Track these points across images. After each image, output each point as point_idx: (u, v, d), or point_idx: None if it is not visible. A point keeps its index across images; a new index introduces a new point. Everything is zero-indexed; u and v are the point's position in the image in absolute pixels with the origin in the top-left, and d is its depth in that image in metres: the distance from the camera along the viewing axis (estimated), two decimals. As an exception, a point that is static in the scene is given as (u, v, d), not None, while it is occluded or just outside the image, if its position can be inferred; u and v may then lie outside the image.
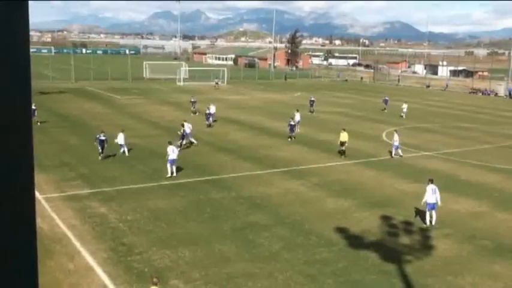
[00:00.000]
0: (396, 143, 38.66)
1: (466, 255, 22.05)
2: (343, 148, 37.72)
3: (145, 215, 24.03)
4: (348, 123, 54.86)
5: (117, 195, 27.35)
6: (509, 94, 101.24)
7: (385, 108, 68.90)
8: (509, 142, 49.29)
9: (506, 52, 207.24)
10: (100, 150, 34.03)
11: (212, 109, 50.61)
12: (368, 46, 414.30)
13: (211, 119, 50.08)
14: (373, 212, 26.53)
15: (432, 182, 25.55)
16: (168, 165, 30.80)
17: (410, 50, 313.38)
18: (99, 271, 18.52)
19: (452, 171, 36.07)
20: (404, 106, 62.84)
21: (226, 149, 39.85)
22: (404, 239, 23.18)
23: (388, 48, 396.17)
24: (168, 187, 28.19)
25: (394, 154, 38.97)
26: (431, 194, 25.01)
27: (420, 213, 25.99)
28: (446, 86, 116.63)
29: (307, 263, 20.15)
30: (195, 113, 56.55)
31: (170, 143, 31.77)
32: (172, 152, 30.67)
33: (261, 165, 34.45)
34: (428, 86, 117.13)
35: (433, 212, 24.97)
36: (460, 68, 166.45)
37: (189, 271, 18.84)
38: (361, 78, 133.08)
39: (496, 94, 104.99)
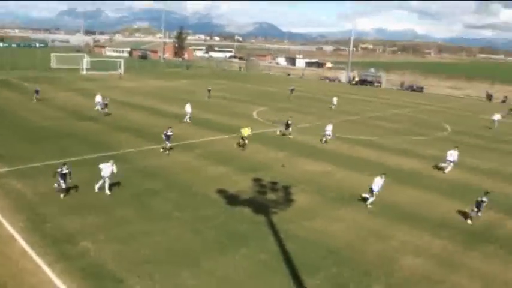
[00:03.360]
0: (328, 132, 37.63)
1: (317, 205, 23.24)
2: (245, 142, 33.88)
3: (56, 188, 22.96)
4: (228, 106, 55.40)
5: (31, 171, 25.88)
6: (349, 80, 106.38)
7: (291, 95, 68.84)
8: (349, 117, 51.94)
9: (346, 48, 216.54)
10: (62, 186, 22.04)
11: (98, 98, 46.44)
12: (241, 42, 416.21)
13: (98, 107, 45.68)
14: (247, 175, 27.04)
15: None
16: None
17: (275, 46, 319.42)
18: (18, 238, 17.59)
19: (308, 141, 37.56)
20: (335, 99, 60.47)
21: (124, 128, 38.70)
22: (271, 196, 23.92)
23: (257, 44, 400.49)
24: (74, 163, 27.01)
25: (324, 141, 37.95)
26: None
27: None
28: (303, 74, 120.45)
29: (194, 219, 20.27)
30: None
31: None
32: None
33: (153, 141, 33.86)
34: (288, 75, 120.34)
35: None
36: (313, 60, 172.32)
37: (96, 233, 18.34)
38: (240, 68, 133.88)
39: (339, 81, 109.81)
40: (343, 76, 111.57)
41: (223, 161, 30.05)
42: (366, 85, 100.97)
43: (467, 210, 22.96)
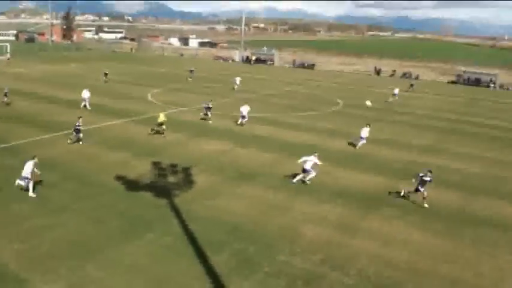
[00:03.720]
0: (244, 113, 37.21)
1: (218, 184, 23.46)
2: (163, 128, 32.28)
3: None
4: (121, 89, 53.71)
5: None
6: (243, 60, 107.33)
7: (191, 77, 67.44)
8: (246, 95, 52.65)
9: (239, 27, 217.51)
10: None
11: None
12: (132, 22, 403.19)
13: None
14: (146, 159, 26.55)
15: None
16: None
17: (166, 26, 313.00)
18: None
19: (202, 121, 37.57)
20: (238, 79, 59.94)
21: (14, 118, 36.06)
22: (171, 178, 23.76)
23: (149, 24, 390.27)
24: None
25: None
26: None
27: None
28: (196, 54, 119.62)
29: (95, 209, 19.61)
30: None
31: None
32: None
33: (47, 131, 32.10)
34: (182, 55, 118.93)
35: None
36: (206, 40, 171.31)
37: (-11, 231, 17.19)
38: (131, 49, 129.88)
39: (233, 60, 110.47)
40: (237, 55, 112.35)
41: (121, 147, 29.24)
42: (260, 63, 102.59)
43: (405, 190, 22.55)
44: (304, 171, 23.89)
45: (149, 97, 49.11)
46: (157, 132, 32.56)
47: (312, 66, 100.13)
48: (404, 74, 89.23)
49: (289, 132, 35.76)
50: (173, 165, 25.57)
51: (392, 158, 30.18)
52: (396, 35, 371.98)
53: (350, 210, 21.05)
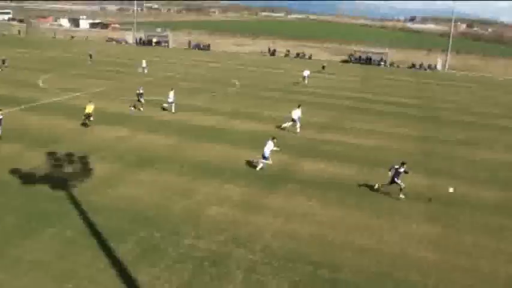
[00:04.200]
0: (171, 99, 35.77)
1: (119, 171, 22.94)
2: (91, 119, 30.77)
3: None
4: (9, 75, 50.14)
5: None
6: (137, 42, 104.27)
7: (90, 61, 64.42)
8: (144, 79, 51.39)
9: (131, 8, 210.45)
10: None
11: None
12: (19, 1, 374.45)
13: None
14: (40, 150, 25.19)
15: None
16: None
17: (56, 5, 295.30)
18: None
19: (102, 106, 36.20)
20: (144, 62, 57.99)
21: None
22: (69, 169, 22.84)
23: (37, 3, 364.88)
24: None
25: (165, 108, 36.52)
26: None
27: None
28: (87, 37, 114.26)
29: (-14, 205, 18.41)
30: None
31: None
32: None
33: None
34: (73, 37, 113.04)
35: None
36: (97, 21, 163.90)
37: None
38: (19, 31, 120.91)
39: (126, 42, 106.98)
40: (130, 37, 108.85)
41: (13, 138, 27.36)
42: (154, 45, 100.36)
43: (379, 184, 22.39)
44: (264, 156, 23.89)
45: (40, 83, 46.35)
46: (84, 124, 30.76)
47: (207, 48, 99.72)
48: (298, 55, 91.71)
49: (189, 115, 35.59)
50: (70, 155, 24.52)
51: (292, 136, 31.20)
52: (289, 16, 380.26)
53: (253, 189, 21.57)
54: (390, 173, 21.67)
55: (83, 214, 17.97)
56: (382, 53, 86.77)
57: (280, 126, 32.84)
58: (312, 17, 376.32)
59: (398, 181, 21.35)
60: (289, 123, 32.40)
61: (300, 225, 18.24)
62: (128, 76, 53.71)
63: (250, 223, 18.09)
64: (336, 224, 18.52)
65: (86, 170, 22.64)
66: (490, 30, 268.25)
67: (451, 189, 21.98)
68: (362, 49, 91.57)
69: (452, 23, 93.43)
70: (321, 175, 23.87)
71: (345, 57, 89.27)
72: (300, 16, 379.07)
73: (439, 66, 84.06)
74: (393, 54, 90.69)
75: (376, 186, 22.34)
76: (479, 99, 53.73)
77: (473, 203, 21.74)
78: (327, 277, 14.86)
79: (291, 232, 17.58)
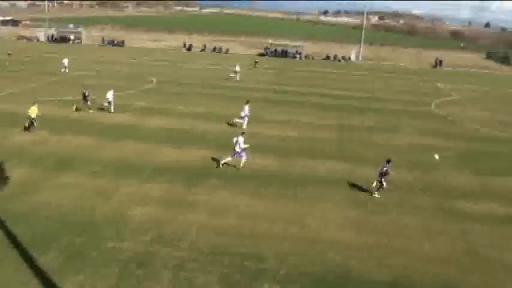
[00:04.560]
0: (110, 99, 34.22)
1: (37, 176, 21.98)
2: (34, 124, 29.03)
3: None
4: None
5: None
6: (49, 39, 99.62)
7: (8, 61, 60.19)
8: (53, 78, 49.35)
9: (42, 3, 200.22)
10: None
11: None
12: None
13: None
14: None
15: None
16: None
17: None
18: None
19: (9, 110, 34.38)
20: (66, 61, 54.81)
21: None
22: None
23: None
24: None
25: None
26: None
27: None
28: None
29: None
30: None
31: None
32: None
33: None
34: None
35: None
36: (8, 18, 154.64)
37: None
38: None
39: (38, 39, 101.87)
40: (42, 34, 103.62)
41: None
42: (67, 42, 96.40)
43: (374, 183, 22.00)
44: (235, 153, 23.70)
45: None
46: (26, 128, 28.94)
47: (122, 44, 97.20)
48: (214, 49, 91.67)
49: (106, 113, 34.69)
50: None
51: (209, 130, 31.35)
52: (204, 10, 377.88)
53: (175, 185, 21.50)
54: (379, 171, 21.56)
55: (1, 224, 17.14)
56: (297, 46, 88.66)
57: (231, 121, 33.18)
58: (226, 10, 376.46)
59: (381, 179, 21.38)
60: (239, 120, 32.50)
61: (224, 219, 18.47)
62: (43, 76, 51.28)
63: (175, 221, 18.08)
64: (260, 215, 18.94)
65: (2, 178, 21.53)
66: (401, 22, 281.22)
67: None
68: (278, 42, 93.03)
69: (365, 16, 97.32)
70: (243, 168, 24.26)
71: (261, 51, 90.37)
72: (214, 10, 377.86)
73: (353, 57, 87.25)
74: (308, 47, 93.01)
75: (374, 184, 21.74)
76: (390, 87, 56.58)
77: (391, 185, 23.02)
78: (254, 268, 15.23)
79: (216, 227, 17.77)
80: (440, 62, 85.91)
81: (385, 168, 21.40)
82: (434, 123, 38.19)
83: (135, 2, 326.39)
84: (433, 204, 21.32)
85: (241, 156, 23.87)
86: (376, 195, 21.67)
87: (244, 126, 31.80)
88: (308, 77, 61.26)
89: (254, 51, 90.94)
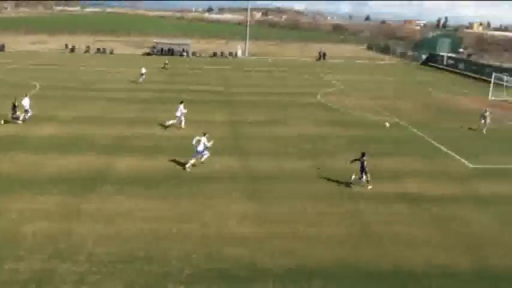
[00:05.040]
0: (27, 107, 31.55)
1: None
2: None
3: None
4: None
5: None
6: None
7: None
8: None
9: None
10: None
11: None
12: None
13: None
14: None
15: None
16: None
17: None
18: None
19: None
20: None
21: None
22: None
23: None
24: None
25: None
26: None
27: None
28: None
29: None
30: None
31: None
32: None
33: None
34: None
35: None
36: None
37: None
38: None
39: None
40: None
41: None
42: None
43: (353, 177, 23.08)
44: (198, 152, 23.75)
45: None
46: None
47: (1, 48, 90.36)
48: (99, 50, 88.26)
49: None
50: None
51: (101, 134, 30.23)
52: (85, 9, 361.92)
53: (68, 196, 20.49)
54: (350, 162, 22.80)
55: None
56: (183, 44, 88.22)
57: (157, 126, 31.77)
58: (109, 9, 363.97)
59: (364, 172, 22.33)
60: (173, 121, 32.12)
61: (122, 225, 17.99)
62: None
63: (71, 233, 17.24)
64: (158, 217, 18.70)
65: None
66: (284, 17, 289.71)
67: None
68: (164, 41, 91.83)
69: (248, 12, 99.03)
70: (135, 171, 23.74)
71: (148, 50, 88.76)
72: (96, 9, 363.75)
73: (239, 53, 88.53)
74: (195, 45, 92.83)
75: (369, 187, 22.63)
76: (277, 80, 58.34)
77: (286, 175, 23.88)
78: (158, 271, 15.04)
79: (115, 234, 17.26)
80: (324, 54, 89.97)
81: (364, 162, 22.35)
82: (322, 112, 40.06)
83: (13, 2, 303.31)
84: (328, 189, 22.46)
85: (204, 155, 24.32)
86: (370, 187, 22.60)
87: (183, 126, 31.93)
88: (196, 74, 61.16)
89: (140, 51, 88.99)
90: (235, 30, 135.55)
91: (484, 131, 35.58)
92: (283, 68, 73.22)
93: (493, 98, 51.39)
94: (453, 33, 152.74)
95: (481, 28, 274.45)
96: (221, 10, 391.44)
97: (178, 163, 25.12)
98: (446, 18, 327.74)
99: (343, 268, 15.76)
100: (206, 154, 24.46)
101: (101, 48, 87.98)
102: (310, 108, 41.45)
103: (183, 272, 15.08)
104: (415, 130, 35.30)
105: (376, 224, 19.15)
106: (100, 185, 21.89)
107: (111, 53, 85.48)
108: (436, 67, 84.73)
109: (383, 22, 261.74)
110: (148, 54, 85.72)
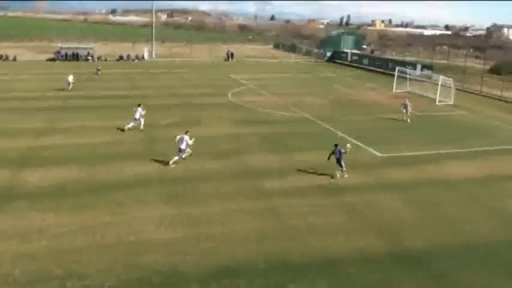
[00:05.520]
0: None
1: None
2: None
3: None
4: None
5: None
6: None
7: None
8: None
9: None
10: None
11: None
12: None
13: None
14: None
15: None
16: None
17: None
18: None
19: None
20: None
21: None
22: None
23: None
24: None
25: None
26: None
27: None
28: None
29: None
30: None
31: None
32: None
33: None
34: None
35: None
36: None
37: None
38: None
39: None
40: None
41: None
42: None
43: (337, 173, 24.27)
44: (180, 150, 24.88)
45: None
46: None
47: None
48: (0, 57, 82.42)
49: None
50: None
51: (9, 147, 28.27)
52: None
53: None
54: (334, 157, 23.90)
55: None
56: (89, 48, 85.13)
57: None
58: (10, 13, 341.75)
59: (343, 163, 23.86)
60: (132, 123, 32.30)
61: (37, 242, 16.99)
62: None
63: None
64: (74, 231, 17.89)
65: None
66: (190, 18, 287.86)
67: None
68: (68, 45, 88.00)
69: (153, 13, 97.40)
70: (48, 184, 22.52)
71: (51, 56, 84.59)
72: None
73: (146, 56, 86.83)
74: (100, 48, 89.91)
75: (338, 175, 24.15)
76: (187, 82, 57.96)
77: (201, 176, 23.80)
78: (78, 286, 14.42)
79: (30, 252, 16.27)
80: (232, 54, 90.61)
81: (340, 153, 23.75)
82: (234, 112, 40.38)
83: None
84: (244, 187, 22.67)
85: (186, 152, 25.58)
86: (346, 176, 24.17)
87: (142, 127, 32.47)
88: (103, 80, 59.12)
89: (44, 57, 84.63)
90: (141, 32, 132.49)
91: (409, 120, 38.49)
92: (192, 69, 72.83)
93: (397, 90, 54.47)
94: (356, 31, 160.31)
95: (383, 25, 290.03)
96: (126, 12, 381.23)
97: (93, 173, 24.20)
98: (348, 16, 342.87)
99: (263, 263, 15.99)
100: (188, 152, 25.65)
101: (3, 55, 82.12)
102: (222, 109, 41.61)
103: (103, 285, 14.55)
104: (324, 124, 36.58)
105: (292, 217, 19.64)
106: (10, 200, 20.50)
107: (14, 59, 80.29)
108: (341, 63, 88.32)
109: (287, 21, 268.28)
110: (52, 59, 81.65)
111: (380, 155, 28.86)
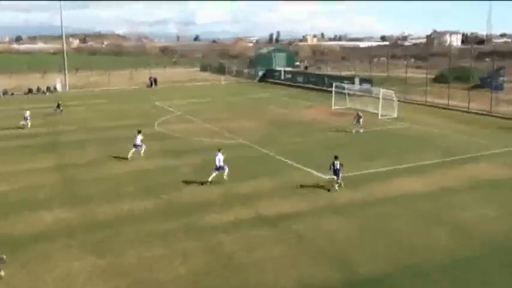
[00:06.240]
0: None
1: None
2: None
3: None
4: None
5: None
6: None
7: None
8: None
9: None
10: None
11: None
12: None
13: None
14: None
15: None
16: None
17: None
18: None
19: None
20: None
21: None
22: None
23: None
24: None
25: None
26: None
27: None
28: None
29: None
30: None
31: None
32: None
33: None
34: None
35: None
36: None
37: None
38: None
39: None
40: None
41: None
42: None
43: (336, 187, 26.49)
44: (218, 168, 27.65)
45: None
46: None
47: None
48: None
49: None
50: None
51: None
52: None
53: None
54: (330, 171, 26.27)
55: None
56: None
57: None
58: None
59: (340, 176, 26.22)
60: (133, 150, 34.12)
61: None
62: None
63: None
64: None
65: None
66: (106, 43, 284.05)
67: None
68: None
69: (64, 39, 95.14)
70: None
71: None
72: None
73: (59, 87, 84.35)
74: (4, 81, 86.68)
75: (336, 187, 26.39)
76: (107, 114, 56.61)
77: (129, 218, 23.01)
78: None
79: None
80: (155, 80, 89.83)
81: (338, 166, 26.08)
82: (161, 142, 39.68)
83: None
84: (179, 225, 22.06)
85: (224, 169, 27.99)
86: (337, 188, 26.40)
87: (142, 154, 34.57)
88: (10, 117, 56.55)
89: None
90: (51, 61, 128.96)
91: (361, 130, 41.38)
92: (111, 99, 71.40)
93: (336, 107, 55.69)
94: (287, 47, 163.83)
95: (315, 40, 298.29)
96: (32, 39, 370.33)
97: (3, 225, 22.81)
98: (278, 32, 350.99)
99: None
100: (226, 169, 28.04)
101: None
102: (147, 140, 40.67)
103: None
104: (262, 149, 36.67)
105: (237, 253, 19.26)
106: None
107: None
108: (275, 82, 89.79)
109: (214, 41, 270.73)
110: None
111: (325, 177, 29.06)
